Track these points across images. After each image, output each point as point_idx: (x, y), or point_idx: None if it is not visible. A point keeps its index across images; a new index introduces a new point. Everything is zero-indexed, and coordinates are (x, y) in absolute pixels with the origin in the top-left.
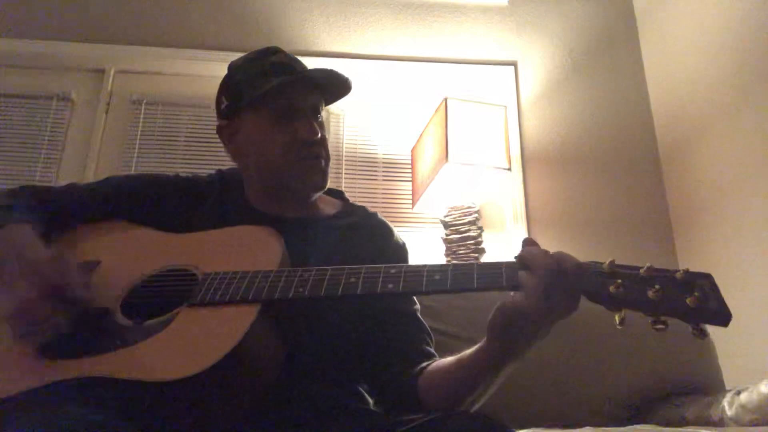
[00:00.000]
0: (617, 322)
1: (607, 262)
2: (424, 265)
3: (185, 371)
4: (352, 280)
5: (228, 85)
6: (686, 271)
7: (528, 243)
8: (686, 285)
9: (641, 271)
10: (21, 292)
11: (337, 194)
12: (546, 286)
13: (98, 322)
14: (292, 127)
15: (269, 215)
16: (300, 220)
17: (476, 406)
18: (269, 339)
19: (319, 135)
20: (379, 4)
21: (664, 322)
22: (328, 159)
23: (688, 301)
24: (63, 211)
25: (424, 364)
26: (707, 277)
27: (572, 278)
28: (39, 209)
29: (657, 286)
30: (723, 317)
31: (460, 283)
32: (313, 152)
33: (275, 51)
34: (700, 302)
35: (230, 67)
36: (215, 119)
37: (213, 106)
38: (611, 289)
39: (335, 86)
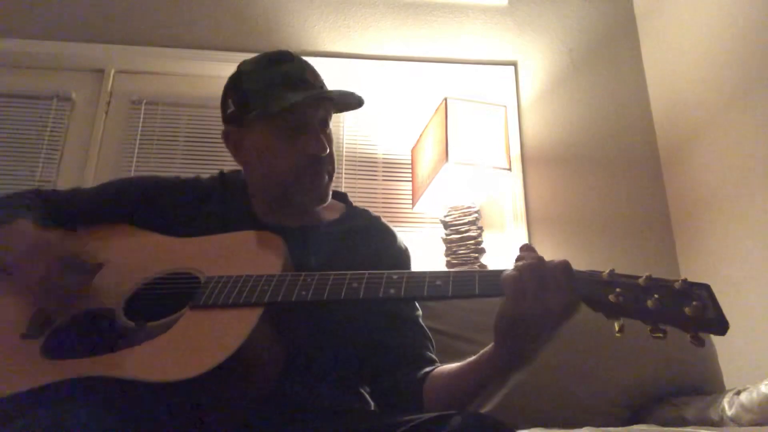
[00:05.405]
0: (616, 329)
1: (607, 271)
2: (426, 271)
3: (187, 373)
4: (355, 285)
5: (236, 90)
6: (684, 281)
7: (524, 249)
8: (684, 295)
9: (640, 280)
10: (31, 285)
11: (341, 197)
12: (523, 281)
13: (101, 324)
14: (301, 140)
15: (271, 225)
16: (301, 228)
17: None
18: (271, 342)
19: (327, 151)
20: (379, 4)
21: (662, 331)
22: (332, 174)
23: (686, 310)
24: (68, 215)
25: (427, 369)
26: (705, 287)
27: (559, 276)
28: (45, 213)
29: (656, 296)
30: (721, 326)
31: (462, 289)
32: (317, 168)
33: (287, 58)
34: (698, 312)
35: (240, 70)
36: (215, 119)
37: (213, 106)
38: (611, 297)
39: (346, 101)
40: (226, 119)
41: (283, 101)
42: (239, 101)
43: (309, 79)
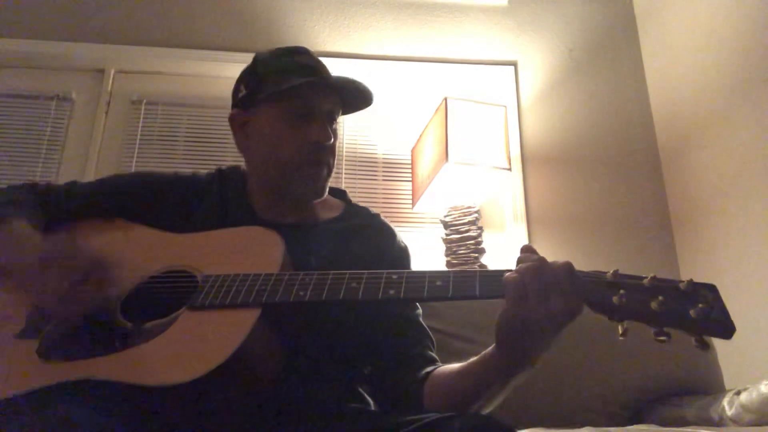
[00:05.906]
0: (620, 332)
1: (611, 272)
2: (426, 272)
3: (185, 376)
4: (354, 285)
5: (249, 76)
6: (690, 282)
7: (525, 250)
8: (690, 296)
9: (645, 281)
10: (26, 284)
11: (340, 194)
12: (525, 284)
13: (98, 324)
14: (306, 128)
15: (270, 221)
16: (299, 225)
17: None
18: (269, 342)
19: (331, 141)
20: (379, 4)
21: (666, 334)
22: (331, 169)
23: (691, 313)
24: (64, 210)
25: (428, 369)
26: (711, 289)
27: (562, 279)
28: (41, 208)
29: (660, 298)
30: (727, 330)
31: (462, 290)
32: (319, 158)
33: (303, 51)
34: (703, 314)
35: (255, 58)
36: (215, 119)
37: (213, 106)
38: (614, 299)
39: (356, 96)
40: (235, 104)
41: (292, 82)
42: (251, 84)
43: (321, 71)
